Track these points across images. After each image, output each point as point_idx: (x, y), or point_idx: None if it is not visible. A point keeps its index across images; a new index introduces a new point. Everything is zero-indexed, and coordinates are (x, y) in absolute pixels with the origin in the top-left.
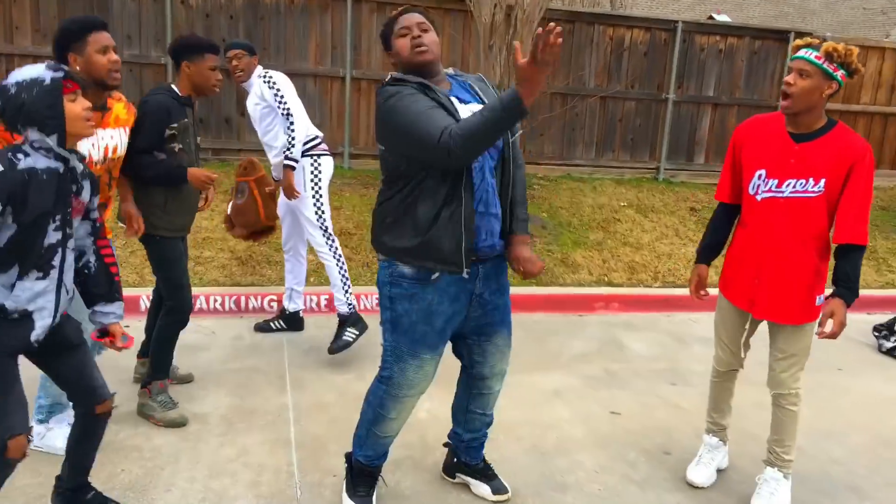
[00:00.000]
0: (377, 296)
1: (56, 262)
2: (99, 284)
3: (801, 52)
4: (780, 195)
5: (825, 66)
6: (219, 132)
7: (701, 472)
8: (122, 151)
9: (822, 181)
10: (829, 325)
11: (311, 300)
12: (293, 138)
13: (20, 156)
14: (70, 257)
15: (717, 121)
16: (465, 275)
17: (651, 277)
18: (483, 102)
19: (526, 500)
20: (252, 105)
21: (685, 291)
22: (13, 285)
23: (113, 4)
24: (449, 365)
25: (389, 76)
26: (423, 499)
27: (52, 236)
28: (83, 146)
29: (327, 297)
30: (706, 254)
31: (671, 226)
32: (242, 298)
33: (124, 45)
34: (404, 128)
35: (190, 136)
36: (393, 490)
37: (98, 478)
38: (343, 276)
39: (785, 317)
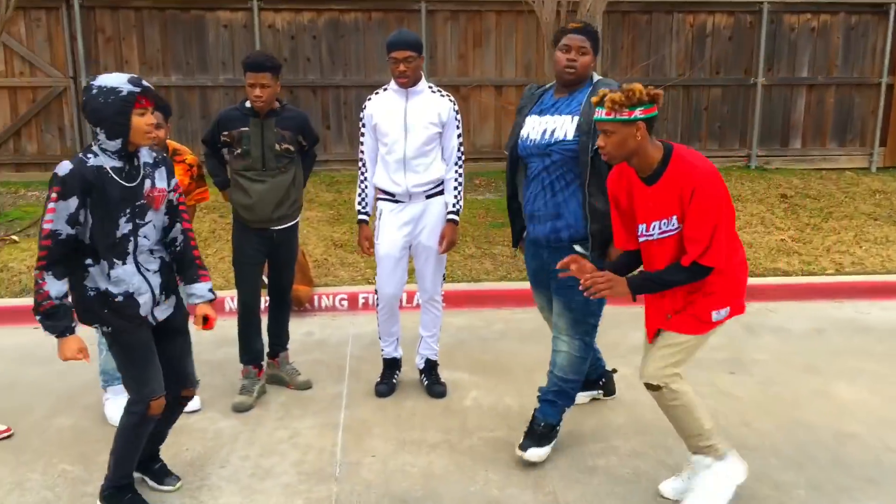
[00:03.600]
0: None
1: (130, 248)
2: (183, 267)
3: (595, 115)
4: (652, 237)
5: (618, 117)
6: None
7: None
8: None
9: (674, 217)
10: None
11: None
12: (460, 187)
13: (90, 155)
14: (142, 242)
15: (813, 102)
16: None
17: None
18: (557, 114)
19: (553, 483)
20: (421, 116)
21: (765, 280)
22: (108, 274)
23: (209, 34)
24: (496, 358)
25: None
26: (452, 477)
27: (124, 227)
28: None
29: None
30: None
31: (757, 214)
32: (315, 297)
33: (220, 71)
34: None
35: (251, 143)
36: (425, 470)
37: (165, 454)
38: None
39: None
